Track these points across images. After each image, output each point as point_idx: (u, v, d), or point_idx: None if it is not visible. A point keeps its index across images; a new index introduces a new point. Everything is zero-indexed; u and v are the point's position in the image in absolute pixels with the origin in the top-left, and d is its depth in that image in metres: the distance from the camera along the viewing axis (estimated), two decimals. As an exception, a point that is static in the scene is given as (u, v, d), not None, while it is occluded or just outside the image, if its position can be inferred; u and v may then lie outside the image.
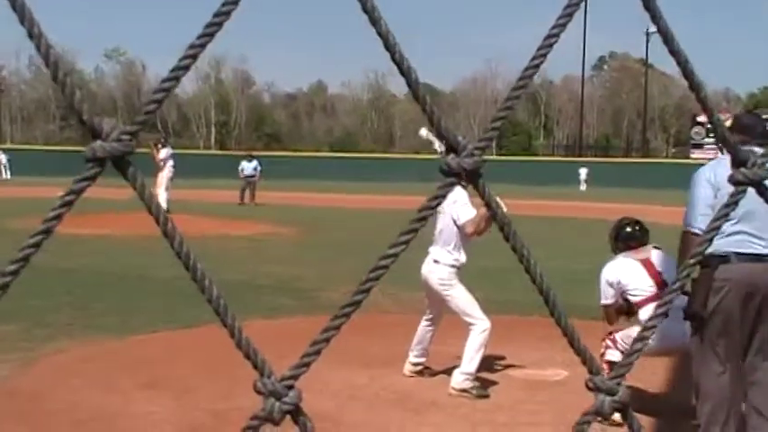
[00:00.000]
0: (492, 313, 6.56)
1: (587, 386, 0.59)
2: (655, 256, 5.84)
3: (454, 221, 6.37)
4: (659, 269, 5.76)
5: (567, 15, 0.55)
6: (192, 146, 78.77)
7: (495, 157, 63.74)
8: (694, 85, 0.64)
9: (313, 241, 17.44)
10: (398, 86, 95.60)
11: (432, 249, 6.59)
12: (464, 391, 6.23)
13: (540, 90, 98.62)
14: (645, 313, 5.60)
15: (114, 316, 8.79)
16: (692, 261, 0.67)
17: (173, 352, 7.33)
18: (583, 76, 70.44)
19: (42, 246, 0.59)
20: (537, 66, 0.57)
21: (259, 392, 0.56)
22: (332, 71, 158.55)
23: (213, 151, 76.51)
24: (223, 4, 0.54)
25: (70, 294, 9.95)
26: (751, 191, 1.06)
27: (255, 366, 0.58)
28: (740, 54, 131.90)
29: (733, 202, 0.62)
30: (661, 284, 5.72)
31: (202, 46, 0.54)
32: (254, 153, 35.01)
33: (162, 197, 20.99)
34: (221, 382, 6.19)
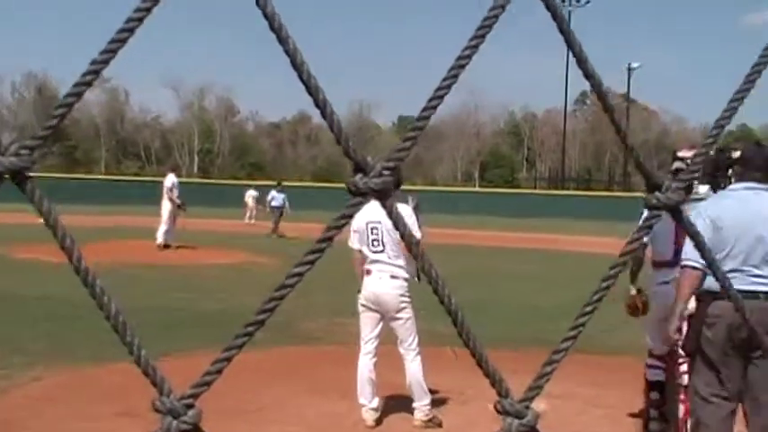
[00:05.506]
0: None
1: (495, 409, 0.59)
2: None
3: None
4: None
5: (482, 34, 0.55)
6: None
7: (478, 189, 64.01)
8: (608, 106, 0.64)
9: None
10: (382, 118, 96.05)
11: (380, 267, 6.14)
12: (430, 420, 6.23)
13: (523, 123, 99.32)
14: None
15: (91, 343, 8.68)
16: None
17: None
18: (565, 110, 71.22)
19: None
20: (449, 86, 0.57)
21: (158, 411, 0.56)
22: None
23: (196, 179, 76.30)
24: (135, 11, 0.54)
25: (47, 321, 9.86)
26: (748, 230, 1.07)
27: (154, 384, 0.57)
28: (719, 90, 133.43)
29: (647, 226, 0.63)
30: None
31: (105, 62, 0.54)
32: (285, 183, 33.84)
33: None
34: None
